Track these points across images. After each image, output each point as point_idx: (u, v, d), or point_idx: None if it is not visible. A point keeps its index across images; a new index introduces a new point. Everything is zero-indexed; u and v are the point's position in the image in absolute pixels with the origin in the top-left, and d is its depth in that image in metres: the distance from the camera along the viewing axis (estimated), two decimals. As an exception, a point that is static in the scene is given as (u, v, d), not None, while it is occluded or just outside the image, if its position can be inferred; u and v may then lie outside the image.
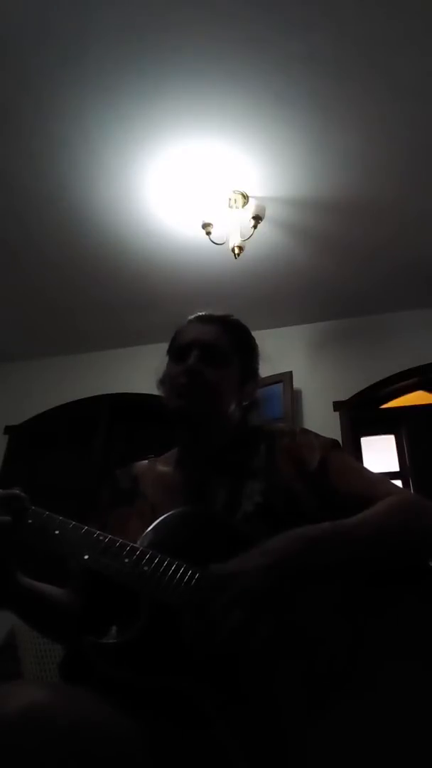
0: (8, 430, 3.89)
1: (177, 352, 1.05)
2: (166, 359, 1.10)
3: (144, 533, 0.85)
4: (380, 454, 3.34)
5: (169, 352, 1.09)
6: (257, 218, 2.77)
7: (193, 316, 1.10)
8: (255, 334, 1.14)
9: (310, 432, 1.04)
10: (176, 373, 1.01)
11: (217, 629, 0.69)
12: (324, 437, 1.01)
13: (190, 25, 2.10)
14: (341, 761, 0.65)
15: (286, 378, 3.34)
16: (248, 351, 1.11)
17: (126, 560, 0.80)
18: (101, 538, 0.83)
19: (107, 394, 3.80)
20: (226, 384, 1.03)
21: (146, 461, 1.11)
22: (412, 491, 2.94)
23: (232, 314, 1.12)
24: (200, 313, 1.10)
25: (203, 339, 1.03)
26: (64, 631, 0.93)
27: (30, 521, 0.85)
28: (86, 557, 0.82)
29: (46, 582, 0.94)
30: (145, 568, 0.78)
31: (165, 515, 0.87)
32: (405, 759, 0.65)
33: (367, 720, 0.67)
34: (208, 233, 2.84)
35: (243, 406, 1.06)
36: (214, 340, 1.04)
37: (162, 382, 1.08)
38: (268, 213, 2.85)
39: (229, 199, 2.81)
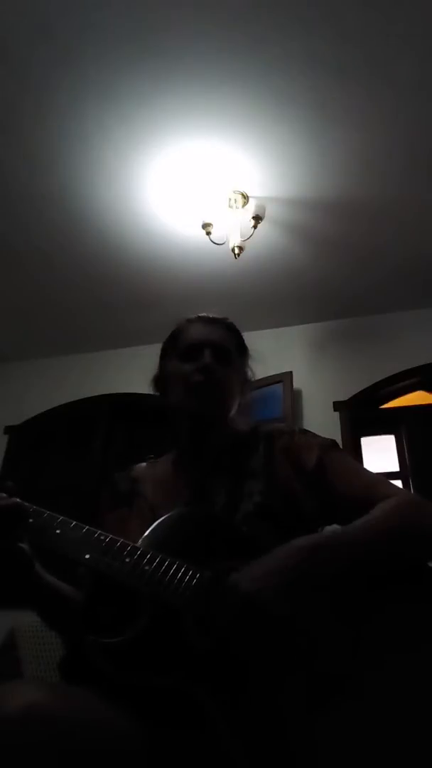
0: (8, 430, 3.89)
1: (186, 350, 1.05)
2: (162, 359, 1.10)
3: (144, 534, 0.85)
4: (380, 454, 3.33)
5: (172, 350, 1.09)
6: (257, 218, 2.77)
7: (195, 316, 1.11)
8: (255, 334, 1.15)
9: (309, 432, 1.04)
10: (189, 371, 1.01)
11: (220, 634, 0.69)
12: (323, 437, 1.01)
13: (191, 25, 2.10)
14: (343, 762, 0.65)
15: (286, 378, 3.34)
16: (244, 354, 1.13)
17: (127, 560, 0.80)
18: (102, 538, 0.83)
19: (107, 394, 3.79)
20: (234, 384, 1.05)
21: (145, 463, 1.12)
22: (412, 491, 2.94)
23: (227, 317, 1.14)
24: (202, 314, 1.11)
25: (213, 339, 1.05)
26: (70, 628, 0.93)
27: (31, 520, 0.86)
28: (87, 557, 0.82)
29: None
30: (146, 567, 0.78)
31: (165, 516, 0.87)
32: (407, 759, 0.65)
33: (369, 721, 0.67)
34: (208, 233, 2.84)
35: (240, 406, 1.08)
36: (223, 341, 1.06)
37: (158, 381, 1.08)
38: (268, 213, 2.85)
39: (229, 199, 2.81)
